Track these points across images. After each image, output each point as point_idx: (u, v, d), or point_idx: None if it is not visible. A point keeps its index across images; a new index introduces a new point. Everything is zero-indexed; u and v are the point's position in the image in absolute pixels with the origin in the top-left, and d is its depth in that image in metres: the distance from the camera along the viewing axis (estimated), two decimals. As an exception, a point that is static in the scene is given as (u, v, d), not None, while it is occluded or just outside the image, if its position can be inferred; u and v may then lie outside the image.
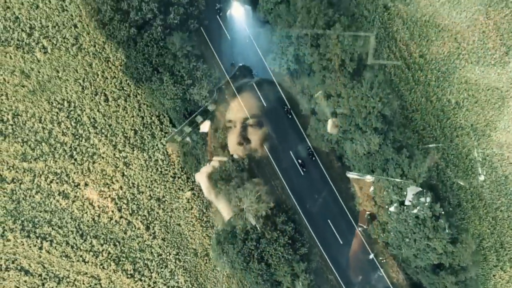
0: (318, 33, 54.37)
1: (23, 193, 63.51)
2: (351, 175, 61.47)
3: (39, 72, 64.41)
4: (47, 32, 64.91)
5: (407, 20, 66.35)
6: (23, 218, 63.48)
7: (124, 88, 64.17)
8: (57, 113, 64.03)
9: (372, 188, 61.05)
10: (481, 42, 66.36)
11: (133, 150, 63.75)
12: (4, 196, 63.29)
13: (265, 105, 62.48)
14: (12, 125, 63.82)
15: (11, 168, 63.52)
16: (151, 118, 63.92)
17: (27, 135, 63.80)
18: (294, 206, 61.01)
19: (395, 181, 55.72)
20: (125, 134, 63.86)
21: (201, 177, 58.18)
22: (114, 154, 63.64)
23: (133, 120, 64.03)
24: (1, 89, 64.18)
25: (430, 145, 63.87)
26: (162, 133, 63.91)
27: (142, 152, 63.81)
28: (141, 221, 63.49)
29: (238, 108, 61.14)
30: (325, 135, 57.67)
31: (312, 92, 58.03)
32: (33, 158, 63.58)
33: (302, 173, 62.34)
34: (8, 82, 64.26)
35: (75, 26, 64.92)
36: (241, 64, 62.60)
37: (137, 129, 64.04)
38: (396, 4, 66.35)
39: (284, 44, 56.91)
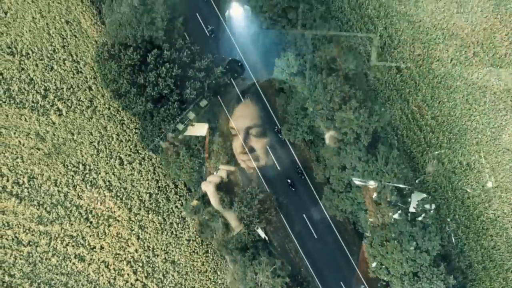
0: (333, 108, 54.89)
1: (40, 256, 64.17)
2: (356, 181, 62.21)
3: (54, 134, 64.89)
4: (62, 95, 65.35)
5: (419, 81, 66.88)
6: (39, 281, 64.17)
7: (139, 152, 64.71)
8: (73, 176, 64.57)
9: (375, 195, 61.84)
10: (492, 103, 66.91)
11: (148, 213, 64.38)
12: (20, 259, 63.95)
13: (278, 168, 63.16)
14: (28, 188, 64.36)
15: (27, 231, 64.13)
16: (165, 182, 64.50)
17: (43, 198, 64.35)
18: (307, 269, 61.83)
19: (399, 187, 56.35)
20: (140, 197, 64.47)
21: (208, 187, 57.67)
22: (129, 217, 64.25)
23: (148, 184, 64.61)
24: (17, 152, 64.63)
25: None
26: (177, 196, 64.53)
27: (157, 215, 64.44)
28: (156, 284, 64.23)
29: (242, 116, 61.27)
30: (340, 206, 58.34)
31: (327, 162, 58.63)
32: (49, 221, 64.18)
33: (315, 236, 63.20)
34: (23, 145, 64.74)
35: (90, 88, 65.38)
36: (230, 58, 62.40)
37: (152, 192, 64.64)
38: (408, 65, 66.86)
39: (299, 115, 57.45)
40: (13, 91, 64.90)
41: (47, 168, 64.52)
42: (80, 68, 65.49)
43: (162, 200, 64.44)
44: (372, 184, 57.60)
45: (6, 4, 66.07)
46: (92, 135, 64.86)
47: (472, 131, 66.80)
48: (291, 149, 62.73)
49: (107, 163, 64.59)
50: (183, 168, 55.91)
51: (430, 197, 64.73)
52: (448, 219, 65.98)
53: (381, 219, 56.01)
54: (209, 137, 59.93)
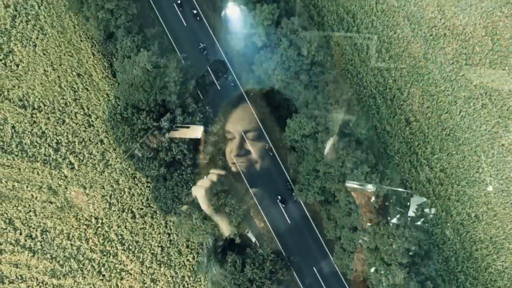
0: (345, 172, 55.43)
1: (53, 309, 64.94)
2: (350, 184, 62.79)
3: (66, 188, 65.41)
4: (74, 148, 65.82)
5: (428, 134, 67.42)
6: (53, 334, 65.01)
7: (151, 205, 65.30)
8: (85, 229, 65.18)
9: (373, 199, 62.40)
10: (500, 155, 67.49)
11: (160, 267, 65.06)
12: (34, 312, 64.74)
13: (289, 222, 63.85)
14: (40, 241, 64.97)
15: (40, 284, 64.81)
16: (177, 235, 65.14)
17: (56, 251, 64.98)
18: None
19: (398, 191, 57.09)
20: (152, 251, 65.14)
21: (198, 191, 57.26)
22: (142, 271, 64.94)
23: (160, 237, 65.25)
24: (29, 205, 65.20)
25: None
26: (189, 250, 65.20)
27: (168, 269, 65.13)
28: (168, 336, 65.09)
29: (238, 120, 61.47)
30: (351, 265, 59.04)
31: (338, 220, 59.27)
32: (62, 274, 64.84)
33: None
34: (36, 198, 65.29)
35: (101, 142, 65.87)
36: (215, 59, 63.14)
37: (164, 245, 65.29)
38: (418, 118, 67.39)
39: (311, 176, 57.98)
40: (25, 144, 65.34)
41: (60, 222, 65.10)
42: (92, 121, 65.93)
43: (174, 254, 65.10)
44: (370, 188, 58.07)
45: (17, 57, 66.40)
46: (104, 188, 65.39)
47: (480, 183, 67.41)
48: (303, 205, 63.41)
49: (119, 217, 65.19)
50: (196, 230, 56.54)
51: (438, 249, 65.62)
52: (457, 271, 66.75)
53: (392, 279, 56.73)
54: (204, 140, 60.26)
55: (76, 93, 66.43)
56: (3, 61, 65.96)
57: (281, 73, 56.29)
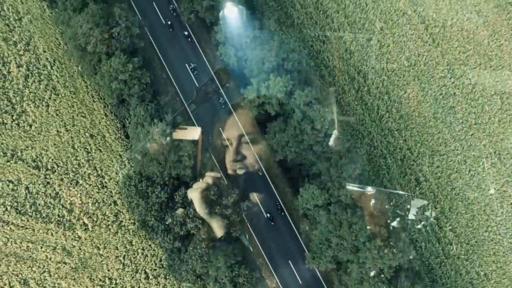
0: (358, 246, 56.16)
1: None
2: (351, 186, 63.85)
3: (80, 249, 66.16)
4: (87, 209, 66.48)
5: (438, 193, 68.07)
6: None
7: (164, 266, 66.04)
8: (99, 290, 66.01)
9: (373, 201, 63.31)
10: (509, 214, 68.25)
11: (173, 327, 65.95)
12: None
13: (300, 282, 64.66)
14: (55, 302, 65.81)
15: None
16: (190, 297, 65.96)
17: (70, 312, 65.85)
18: None
19: (398, 194, 58.10)
20: (165, 311, 66.01)
21: (193, 194, 57.86)
22: (155, 331, 65.85)
23: (173, 298, 66.09)
24: (44, 266, 65.95)
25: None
26: (202, 311, 65.97)
27: (182, 329, 66.02)
28: None
29: (233, 125, 61.91)
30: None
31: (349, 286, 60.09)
32: (76, 334, 65.76)
33: None
34: (50, 259, 66.03)
35: (115, 203, 66.53)
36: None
37: (177, 306, 66.15)
38: (428, 177, 68.02)
39: (323, 245, 58.71)
40: (39, 205, 66.00)
41: (74, 282, 65.87)
42: (105, 182, 66.56)
43: (187, 314, 65.93)
44: (369, 190, 59.26)
45: (30, 117, 66.90)
46: (117, 249, 66.13)
47: (489, 241, 68.20)
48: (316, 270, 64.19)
49: (132, 277, 65.98)
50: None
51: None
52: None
53: None
54: (201, 141, 60.84)
55: (89, 154, 67.00)
56: (16, 121, 66.43)
57: (294, 145, 56.81)
